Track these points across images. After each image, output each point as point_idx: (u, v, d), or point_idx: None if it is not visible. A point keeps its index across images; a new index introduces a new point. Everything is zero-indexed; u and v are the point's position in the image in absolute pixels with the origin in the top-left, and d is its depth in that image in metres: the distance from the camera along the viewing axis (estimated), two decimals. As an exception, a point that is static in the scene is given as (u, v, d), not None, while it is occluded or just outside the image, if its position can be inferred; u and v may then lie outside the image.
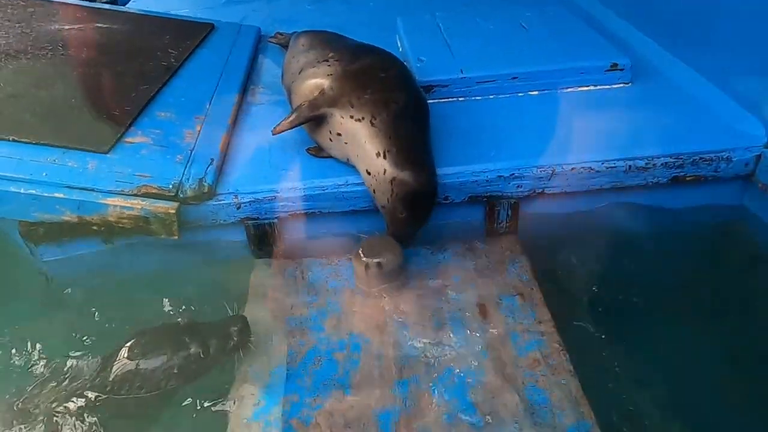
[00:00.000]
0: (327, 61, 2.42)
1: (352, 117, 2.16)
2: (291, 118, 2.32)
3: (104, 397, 1.77)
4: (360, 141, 2.14)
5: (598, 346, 2.00)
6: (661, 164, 2.28)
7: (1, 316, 2.37)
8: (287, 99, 2.64)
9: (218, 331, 1.90)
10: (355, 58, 2.38)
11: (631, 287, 2.22)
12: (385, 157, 2.08)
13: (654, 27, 3.13)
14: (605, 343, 2.01)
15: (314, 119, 2.27)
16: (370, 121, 2.12)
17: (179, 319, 2.03)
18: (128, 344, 1.83)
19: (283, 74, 2.73)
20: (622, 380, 1.89)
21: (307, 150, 2.42)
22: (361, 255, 2.11)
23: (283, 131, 2.34)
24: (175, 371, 1.80)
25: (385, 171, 2.08)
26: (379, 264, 2.10)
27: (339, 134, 2.21)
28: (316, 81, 2.35)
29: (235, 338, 1.89)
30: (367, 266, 2.10)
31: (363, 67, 2.31)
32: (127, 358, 1.80)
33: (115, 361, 1.81)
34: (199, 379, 1.85)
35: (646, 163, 2.28)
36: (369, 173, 2.13)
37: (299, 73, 2.49)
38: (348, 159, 2.25)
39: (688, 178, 2.32)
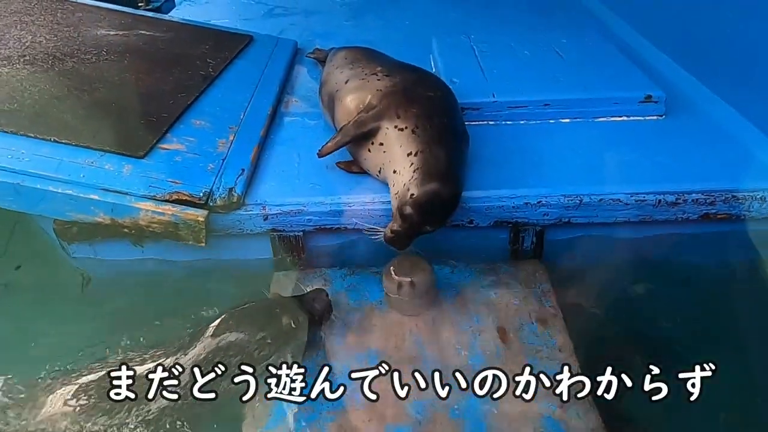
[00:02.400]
0: (376, 74, 2.45)
1: (396, 127, 2.17)
2: (337, 139, 2.33)
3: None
4: (396, 145, 2.16)
5: (619, 380, 1.97)
6: (692, 200, 2.25)
7: (31, 307, 2.45)
8: (324, 110, 2.66)
9: (304, 305, 2.02)
10: (405, 75, 2.42)
11: (654, 322, 2.19)
12: (416, 155, 2.09)
13: (691, 60, 3.10)
14: (627, 370, 1.97)
15: (360, 137, 2.27)
16: (412, 130, 2.14)
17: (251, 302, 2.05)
18: (221, 318, 1.93)
19: (323, 85, 2.74)
20: (644, 416, 1.86)
21: (338, 164, 2.45)
22: (393, 274, 2.10)
23: (329, 153, 2.34)
24: (269, 341, 1.88)
25: (411, 164, 2.08)
26: (412, 283, 2.09)
27: (381, 144, 2.22)
28: (365, 92, 2.37)
29: (319, 309, 2.03)
30: (400, 285, 2.10)
31: (413, 85, 2.34)
32: (226, 329, 1.88)
33: (208, 335, 1.89)
34: (288, 346, 1.92)
35: (677, 198, 2.25)
36: (395, 171, 2.13)
37: (345, 83, 2.51)
38: (381, 169, 2.25)
39: (719, 216, 2.28)
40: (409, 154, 2.10)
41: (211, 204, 2.22)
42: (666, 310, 2.28)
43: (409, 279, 2.09)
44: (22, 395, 1.91)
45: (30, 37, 3.06)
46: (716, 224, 2.33)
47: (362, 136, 2.27)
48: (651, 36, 3.52)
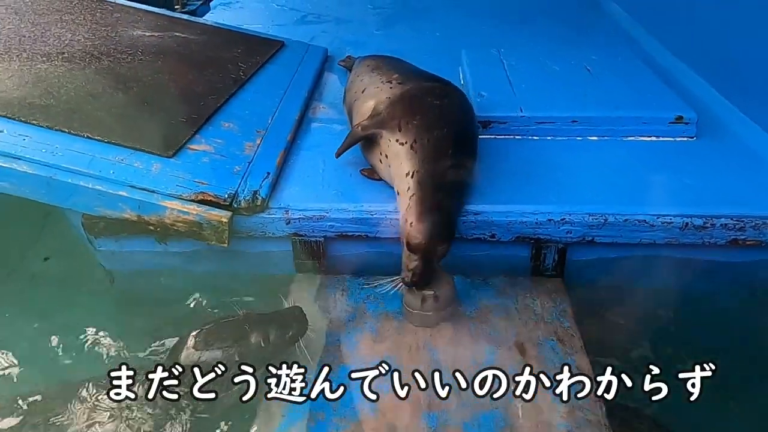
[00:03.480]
0: (390, 83, 2.46)
1: (397, 141, 2.18)
2: (346, 142, 2.40)
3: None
4: (397, 162, 2.16)
5: (637, 403, 1.93)
6: (721, 225, 2.21)
7: (57, 298, 2.51)
8: (348, 117, 2.70)
9: (277, 321, 1.98)
10: (417, 84, 2.42)
11: (677, 347, 2.15)
12: (412, 177, 2.08)
13: (724, 81, 3.05)
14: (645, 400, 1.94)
15: (365, 140, 2.32)
16: (411, 145, 2.14)
17: (238, 312, 2.05)
18: (193, 335, 1.91)
19: (345, 93, 2.80)
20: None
21: (362, 171, 2.46)
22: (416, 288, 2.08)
23: (342, 153, 2.43)
24: (236, 359, 1.85)
25: (408, 188, 2.07)
26: (436, 296, 2.08)
27: (386, 156, 2.24)
28: (377, 99, 2.40)
29: (294, 328, 1.96)
30: (423, 299, 2.09)
31: (418, 93, 2.33)
32: (193, 347, 1.87)
33: (182, 350, 1.88)
34: (259, 368, 1.86)
35: (704, 222, 2.21)
36: (398, 193, 2.13)
37: (362, 92, 2.54)
38: (391, 181, 2.27)
39: (748, 242, 2.23)
40: (407, 175, 2.09)
41: (235, 206, 2.25)
42: (688, 337, 2.24)
43: (433, 292, 2.07)
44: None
45: (69, 35, 3.15)
46: (745, 251, 2.28)
47: (372, 144, 2.29)
48: (684, 56, 3.47)
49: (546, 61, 3.26)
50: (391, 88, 2.42)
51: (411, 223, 2.00)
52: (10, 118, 2.38)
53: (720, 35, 3.13)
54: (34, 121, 2.38)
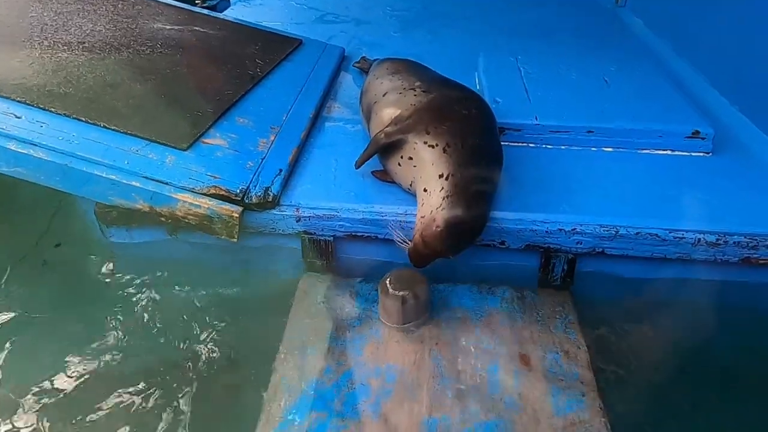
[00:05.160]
0: (414, 89, 2.45)
1: (426, 143, 2.17)
2: (367, 150, 2.38)
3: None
4: (428, 163, 2.14)
5: (642, 420, 1.92)
6: (734, 242, 2.18)
7: (67, 285, 2.53)
8: (363, 119, 2.70)
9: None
10: (442, 92, 2.41)
11: (685, 365, 2.13)
12: (447, 179, 2.07)
13: (743, 98, 3.03)
14: (651, 418, 1.92)
15: (389, 149, 2.30)
16: (443, 149, 2.12)
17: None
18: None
19: (363, 95, 2.78)
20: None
21: (373, 173, 2.46)
22: (389, 288, 2.10)
23: (364, 163, 2.42)
24: None
25: (441, 188, 2.06)
26: (416, 296, 2.09)
27: (410, 158, 2.22)
28: (400, 105, 2.38)
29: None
30: (403, 300, 2.09)
31: (447, 102, 2.33)
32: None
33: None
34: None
35: (717, 239, 2.19)
36: (425, 190, 2.12)
37: (383, 96, 2.52)
38: (411, 183, 2.25)
39: (761, 261, 2.21)
40: (440, 176, 2.09)
41: (246, 201, 2.26)
42: (695, 355, 2.21)
43: (413, 292, 2.09)
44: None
45: (91, 25, 3.18)
46: (757, 270, 2.26)
47: (391, 148, 2.28)
48: (704, 70, 3.44)
49: (564, 70, 3.24)
50: (415, 95, 2.40)
51: (439, 223, 2.01)
52: (28, 104, 2.41)
53: (740, 51, 3.11)
54: (52, 109, 2.41)
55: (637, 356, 2.18)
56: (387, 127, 2.32)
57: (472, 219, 2.05)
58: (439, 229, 2.00)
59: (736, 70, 3.15)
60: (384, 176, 2.44)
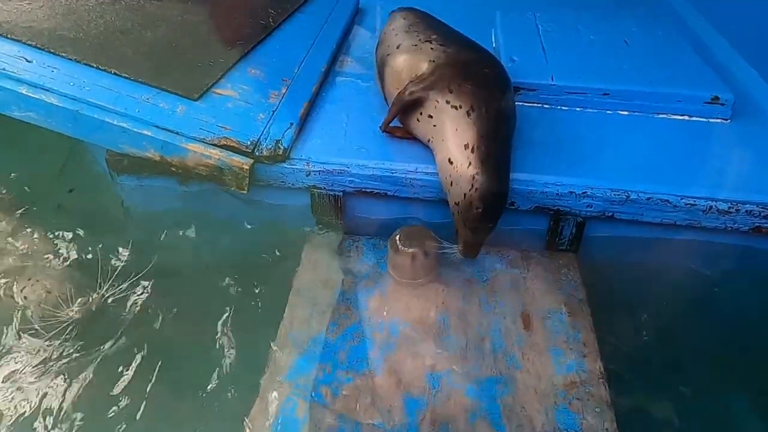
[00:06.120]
0: (430, 42, 2.39)
1: (448, 102, 2.14)
2: (393, 110, 2.34)
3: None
4: (450, 128, 2.12)
5: (642, 384, 1.95)
6: (745, 211, 2.17)
7: (80, 229, 2.56)
8: (376, 73, 2.63)
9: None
10: (460, 47, 2.36)
11: (688, 332, 2.15)
12: (473, 151, 2.04)
13: (766, 65, 2.94)
14: (650, 382, 1.96)
15: (411, 104, 2.26)
16: (467, 112, 2.10)
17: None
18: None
19: (378, 46, 2.71)
20: (662, 425, 1.84)
21: (383, 129, 2.42)
22: (399, 245, 2.12)
23: (389, 123, 2.37)
24: None
25: (469, 164, 2.04)
26: (425, 253, 2.11)
27: (430, 116, 2.20)
28: (415, 58, 2.34)
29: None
30: (413, 257, 2.11)
31: (468, 59, 2.29)
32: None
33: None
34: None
35: (729, 207, 2.17)
36: (451, 162, 2.10)
37: (397, 47, 2.48)
38: (430, 140, 2.23)
39: (772, 231, 2.20)
40: (465, 147, 2.06)
41: (257, 153, 2.26)
42: (698, 321, 2.23)
43: (423, 249, 2.11)
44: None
45: (101, -32, 3.11)
46: (767, 239, 2.24)
47: (411, 104, 2.26)
48: (728, 34, 3.33)
49: (583, 29, 3.15)
50: (432, 48, 2.35)
51: (477, 204, 2.01)
52: (39, 48, 2.39)
53: (766, 15, 3.00)
54: (63, 54, 2.39)
55: (640, 321, 2.21)
56: (409, 84, 2.28)
57: (506, 189, 2.07)
58: (479, 210, 2.01)
59: (761, 36, 3.06)
60: (395, 132, 2.41)
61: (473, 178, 2.02)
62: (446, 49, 2.33)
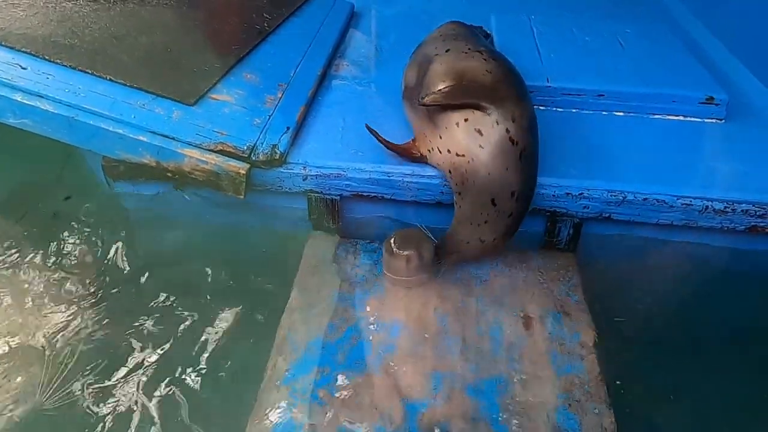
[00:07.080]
0: (480, 52, 2.28)
1: (507, 131, 2.03)
2: (447, 94, 2.12)
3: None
4: (500, 165, 2.04)
5: (640, 383, 1.96)
6: (741, 210, 2.18)
7: (77, 237, 2.56)
8: (408, 72, 2.49)
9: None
10: (507, 66, 2.28)
11: (687, 333, 2.15)
12: (516, 200, 2.06)
13: (761, 66, 2.96)
14: (649, 382, 1.96)
15: (462, 106, 2.09)
16: (519, 154, 2.03)
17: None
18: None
19: (420, 47, 2.58)
20: (661, 425, 1.85)
21: (384, 144, 2.31)
22: (394, 248, 2.11)
23: (435, 103, 2.12)
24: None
25: (511, 213, 2.08)
26: (420, 255, 2.11)
27: (479, 132, 2.05)
28: (467, 64, 2.21)
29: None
30: (408, 260, 2.11)
31: (512, 72, 2.24)
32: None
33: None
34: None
35: (725, 207, 2.18)
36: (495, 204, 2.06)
37: (446, 51, 2.34)
38: (457, 153, 2.09)
39: (767, 230, 2.20)
40: (512, 195, 2.05)
41: (253, 158, 2.25)
42: (697, 321, 2.24)
43: (418, 251, 2.10)
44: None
45: (95, -26, 3.11)
46: (764, 239, 2.25)
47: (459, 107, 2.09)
48: (722, 35, 3.35)
49: (577, 31, 3.16)
50: (484, 59, 2.23)
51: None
52: (34, 55, 2.38)
53: (760, 17, 3.02)
54: (58, 60, 2.38)
55: (639, 320, 2.21)
56: (466, 83, 2.14)
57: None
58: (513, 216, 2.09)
59: (755, 37, 3.07)
60: (396, 148, 2.30)
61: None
62: (498, 65, 2.22)
